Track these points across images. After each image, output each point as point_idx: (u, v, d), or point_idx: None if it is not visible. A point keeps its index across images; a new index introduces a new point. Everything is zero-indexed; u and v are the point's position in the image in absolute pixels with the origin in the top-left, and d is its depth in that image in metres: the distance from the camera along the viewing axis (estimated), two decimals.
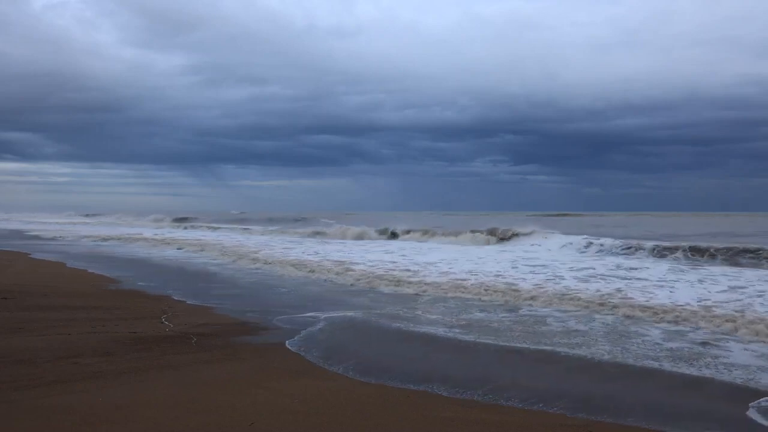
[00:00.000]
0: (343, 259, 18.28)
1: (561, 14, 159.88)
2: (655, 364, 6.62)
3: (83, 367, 6.02)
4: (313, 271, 15.52)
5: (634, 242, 20.76)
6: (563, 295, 11.15)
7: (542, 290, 11.72)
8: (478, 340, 7.85)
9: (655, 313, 9.32)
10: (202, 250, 23.34)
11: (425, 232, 30.68)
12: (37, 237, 33.69)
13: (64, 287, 12.25)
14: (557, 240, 24.09)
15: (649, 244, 20.13)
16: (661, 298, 10.71)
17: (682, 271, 14.92)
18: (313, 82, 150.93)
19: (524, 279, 13.53)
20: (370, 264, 16.86)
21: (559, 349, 7.32)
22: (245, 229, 42.47)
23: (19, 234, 36.81)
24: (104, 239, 30.95)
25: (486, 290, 11.86)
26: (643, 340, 7.83)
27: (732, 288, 11.80)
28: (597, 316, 9.53)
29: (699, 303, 10.10)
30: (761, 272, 14.35)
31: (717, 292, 11.36)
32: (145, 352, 6.81)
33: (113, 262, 18.85)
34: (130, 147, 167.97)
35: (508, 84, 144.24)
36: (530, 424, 4.74)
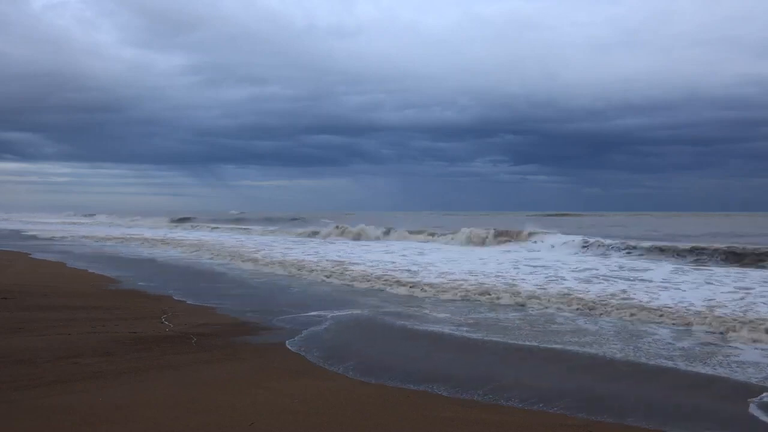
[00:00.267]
0: (342, 259, 18.30)
1: (561, 14, 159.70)
2: (669, 363, 6.66)
3: (83, 367, 6.01)
4: (312, 271, 15.53)
5: (636, 243, 20.67)
6: (564, 295, 11.14)
7: (543, 291, 11.72)
8: (484, 338, 7.88)
9: (661, 315, 9.29)
10: (201, 250, 23.34)
11: (425, 233, 30.66)
12: (36, 237, 33.69)
13: (64, 287, 12.25)
14: (558, 240, 24.07)
15: (651, 244, 20.04)
16: (666, 299, 10.69)
17: (685, 272, 14.87)
18: (313, 82, 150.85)
19: (524, 279, 13.54)
20: (370, 264, 16.87)
21: (569, 348, 7.36)
22: (245, 229, 42.48)
23: (18, 234, 36.82)
24: (104, 239, 30.97)
25: (487, 290, 11.86)
26: (653, 339, 7.87)
27: (737, 289, 11.70)
28: (603, 317, 9.52)
29: (704, 303, 10.07)
30: (766, 273, 14.29)
31: (723, 293, 11.29)
32: (145, 352, 6.81)
33: (113, 262, 18.85)
34: (130, 147, 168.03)
35: (508, 84, 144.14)
36: (530, 424, 4.74)
